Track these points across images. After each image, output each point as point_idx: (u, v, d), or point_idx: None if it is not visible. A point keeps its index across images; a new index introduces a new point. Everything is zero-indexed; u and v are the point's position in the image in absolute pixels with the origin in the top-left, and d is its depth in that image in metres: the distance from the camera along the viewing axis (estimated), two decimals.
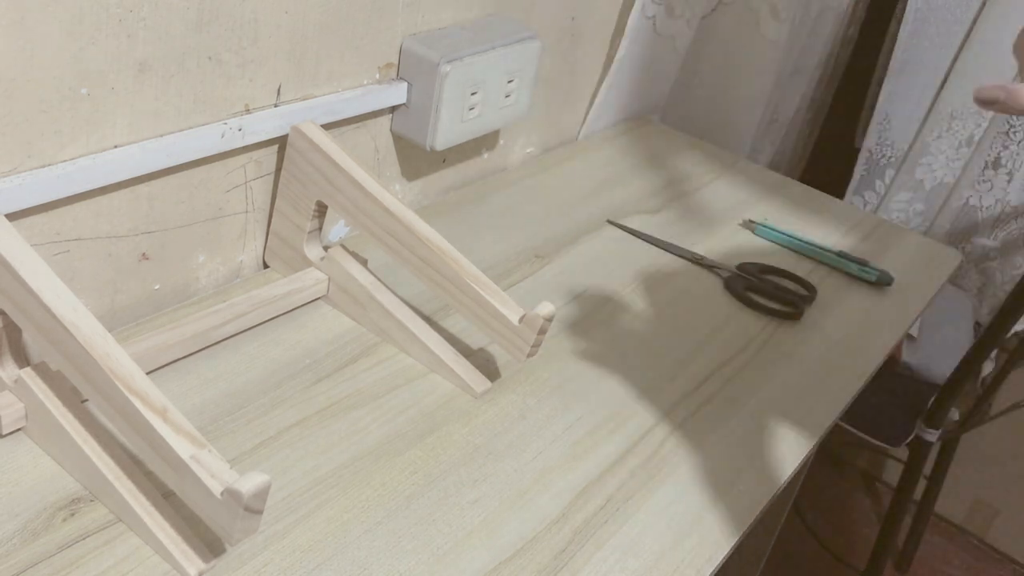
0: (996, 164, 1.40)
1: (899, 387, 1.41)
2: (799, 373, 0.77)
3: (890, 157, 1.45)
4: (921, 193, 1.45)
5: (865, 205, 1.50)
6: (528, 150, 1.04)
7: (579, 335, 0.77)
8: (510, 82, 0.85)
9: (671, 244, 0.88)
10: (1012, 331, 1.24)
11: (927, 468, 1.50)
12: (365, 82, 0.78)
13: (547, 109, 1.03)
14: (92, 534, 0.53)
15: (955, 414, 1.44)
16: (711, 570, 0.58)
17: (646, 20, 1.05)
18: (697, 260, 0.87)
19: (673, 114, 1.30)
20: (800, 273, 0.90)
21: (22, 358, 0.56)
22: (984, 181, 1.42)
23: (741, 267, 0.88)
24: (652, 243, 0.88)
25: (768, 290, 0.85)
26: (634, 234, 0.89)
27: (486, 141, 0.96)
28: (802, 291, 0.86)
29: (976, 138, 1.38)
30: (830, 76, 1.53)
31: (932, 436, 1.35)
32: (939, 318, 1.45)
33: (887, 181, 1.47)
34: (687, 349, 0.77)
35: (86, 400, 0.56)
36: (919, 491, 1.54)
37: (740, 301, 0.84)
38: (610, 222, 0.91)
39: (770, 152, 1.49)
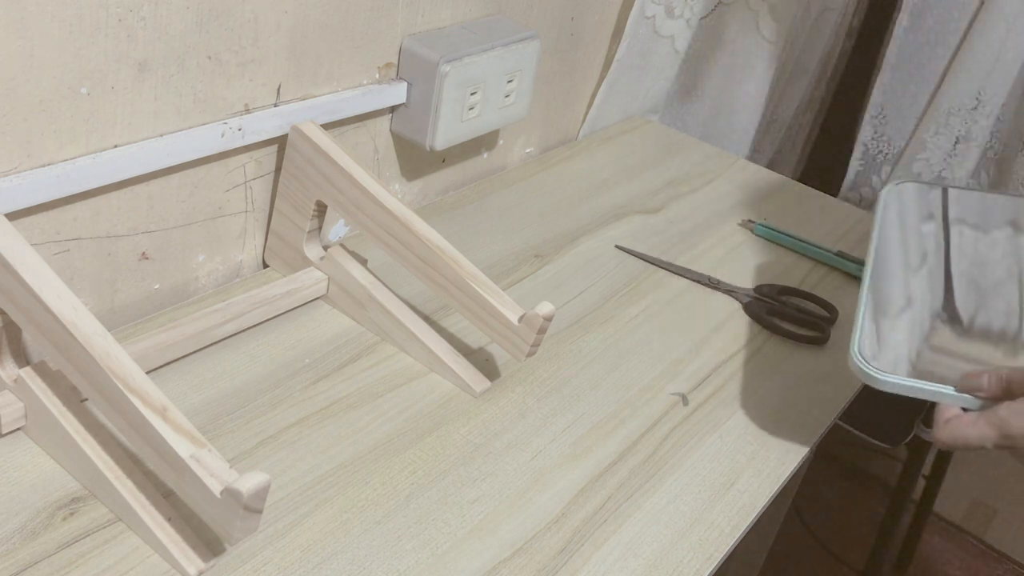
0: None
1: None
2: (798, 372, 0.77)
3: (887, 153, 1.45)
4: None
5: (861, 201, 1.49)
6: (528, 150, 1.04)
7: (579, 335, 0.77)
8: (510, 82, 0.85)
9: (685, 269, 0.86)
10: None
11: (926, 468, 1.50)
12: (365, 82, 0.78)
13: (547, 109, 1.03)
14: (92, 533, 0.53)
15: None
16: (711, 570, 0.58)
17: (646, 20, 1.06)
18: (713, 285, 0.85)
19: (673, 114, 1.30)
20: (800, 273, 0.90)
21: (22, 358, 0.56)
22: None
23: (758, 289, 0.86)
24: (665, 268, 0.86)
25: (791, 314, 0.83)
26: (644, 259, 0.87)
27: (486, 141, 0.96)
28: (824, 313, 0.85)
29: (973, 135, 1.38)
30: (830, 76, 1.53)
31: (931, 436, 1.35)
32: None
33: (884, 177, 1.47)
34: (686, 349, 0.77)
35: (86, 399, 0.56)
36: (918, 491, 1.54)
37: (763, 326, 0.82)
38: (619, 247, 0.89)
39: (770, 152, 1.49)
